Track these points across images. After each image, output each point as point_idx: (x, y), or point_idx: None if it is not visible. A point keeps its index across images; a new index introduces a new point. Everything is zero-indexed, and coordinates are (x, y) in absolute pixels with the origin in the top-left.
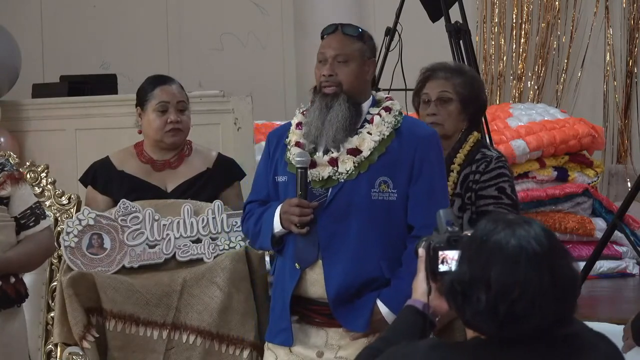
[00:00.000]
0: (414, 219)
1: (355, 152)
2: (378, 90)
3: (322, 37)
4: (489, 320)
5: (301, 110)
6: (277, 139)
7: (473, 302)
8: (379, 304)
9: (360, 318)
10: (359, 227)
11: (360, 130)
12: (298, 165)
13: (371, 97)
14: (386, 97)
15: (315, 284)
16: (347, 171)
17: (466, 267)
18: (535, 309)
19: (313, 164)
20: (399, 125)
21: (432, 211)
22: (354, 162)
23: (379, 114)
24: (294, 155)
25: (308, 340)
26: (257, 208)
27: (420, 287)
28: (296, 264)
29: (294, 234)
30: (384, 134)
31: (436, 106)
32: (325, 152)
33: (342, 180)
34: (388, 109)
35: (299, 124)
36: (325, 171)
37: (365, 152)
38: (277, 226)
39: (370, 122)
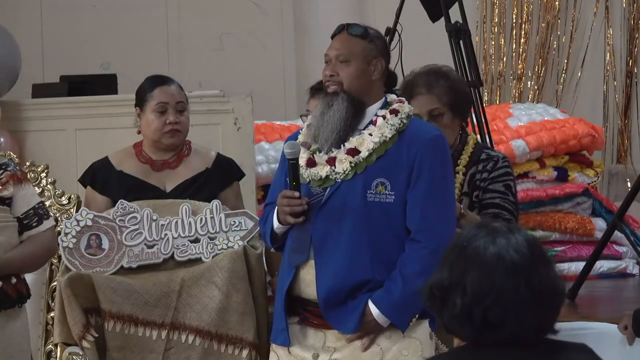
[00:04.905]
0: (411, 222)
1: (353, 152)
2: (395, 91)
3: (332, 39)
4: (465, 325)
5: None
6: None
7: (449, 307)
8: (370, 305)
9: (350, 320)
10: (352, 228)
11: (363, 131)
12: (288, 157)
13: (383, 99)
14: (398, 99)
15: (310, 284)
16: (344, 171)
17: (446, 272)
18: (509, 316)
19: (312, 163)
20: (404, 128)
21: (429, 215)
22: (350, 163)
23: (383, 115)
24: (285, 147)
25: (306, 341)
26: (270, 209)
27: None
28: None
29: (292, 231)
30: (385, 136)
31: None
32: (327, 151)
33: (339, 180)
34: (395, 112)
35: (309, 125)
36: (324, 170)
37: (364, 153)
38: (276, 222)
39: (374, 123)
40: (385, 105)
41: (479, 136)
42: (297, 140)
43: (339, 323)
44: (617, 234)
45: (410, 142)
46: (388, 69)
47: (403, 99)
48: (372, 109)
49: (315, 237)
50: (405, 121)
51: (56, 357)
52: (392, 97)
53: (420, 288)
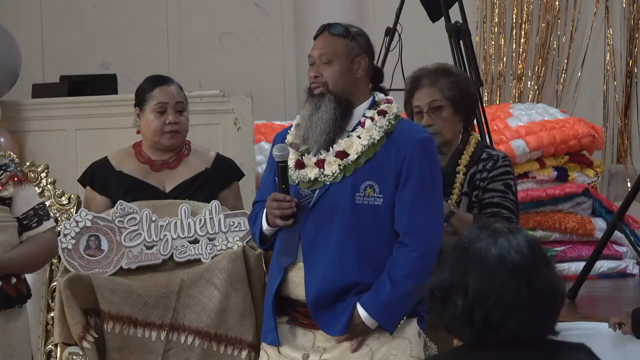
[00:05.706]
0: (399, 225)
1: (342, 154)
2: (383, 88)
3: (314, 39)
4: (465, 326)
5: (302, 112)
6: (280, 141)
7: (450, 308)
8: (359, 308)
9: (338, 322)
10: (341, 230)
11: (351, 133)
12: (277, 160)
13: (371, 98)
14: (385, 99)
15: (299, 286)
16: (333, 174)
17: (447, 273)
18: (509, 317)
19: (301, 165)
20: (392, 129)
21: (417, 218)
22: (339, 165)
23: (372, 117)
24: (274, 150)
25: (296, 341)
26: (259, 208)
27: None
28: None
29: (280, 233)
30: (373, 139)
31: (429, 116)
32: (316, 153)
33: (328, 183)
34: (383, 112)
35: (297, 125)
36: (312, 172)
37: (352, 156)
38: (265, 224)
39: (362, 125)
40: (373, 105)
41: (478, 136)
42: (286, 140)
43: (327, 325)
44: (617, 234)
45: (399, 144)
46: (373, 66)
47: (391, 98)
48: (360, 109)
49: (304, 239)
50: (393, 122)
51: (56, 357)
52: (380, 96)
53: (418, 289)
